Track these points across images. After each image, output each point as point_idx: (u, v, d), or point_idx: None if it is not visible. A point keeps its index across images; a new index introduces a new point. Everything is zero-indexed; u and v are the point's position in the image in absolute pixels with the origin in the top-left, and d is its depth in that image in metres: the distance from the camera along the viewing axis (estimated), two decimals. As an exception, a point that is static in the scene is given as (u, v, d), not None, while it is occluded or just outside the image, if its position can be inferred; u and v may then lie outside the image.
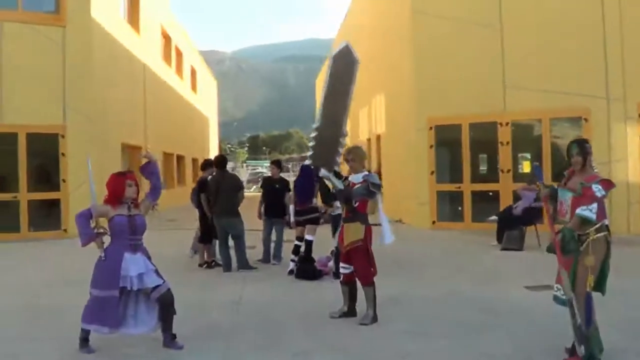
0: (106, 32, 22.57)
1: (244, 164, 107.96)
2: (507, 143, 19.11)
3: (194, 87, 46.75)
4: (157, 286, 7.00)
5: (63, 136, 19.62)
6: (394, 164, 24.33)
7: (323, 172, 8.90)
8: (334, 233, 12.89)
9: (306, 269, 11.91)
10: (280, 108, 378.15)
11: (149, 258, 7.17)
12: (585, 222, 6.43)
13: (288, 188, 13.88)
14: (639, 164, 17.65)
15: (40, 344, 7.52)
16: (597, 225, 6.46)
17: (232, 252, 13.04)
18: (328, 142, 8.84)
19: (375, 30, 27.81)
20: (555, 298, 6.72)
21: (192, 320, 8.52)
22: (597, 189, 6.47)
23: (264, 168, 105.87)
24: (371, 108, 29.32)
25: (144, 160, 7.64)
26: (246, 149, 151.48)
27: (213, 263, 13.44)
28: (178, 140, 36.52)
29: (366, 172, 8.58)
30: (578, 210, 6.43)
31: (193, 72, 47.08)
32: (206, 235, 13.48)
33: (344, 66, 8.73)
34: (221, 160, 13.26)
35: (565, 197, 6.70)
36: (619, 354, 6.76)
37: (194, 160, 42.15)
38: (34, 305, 9.78)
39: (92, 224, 7.06)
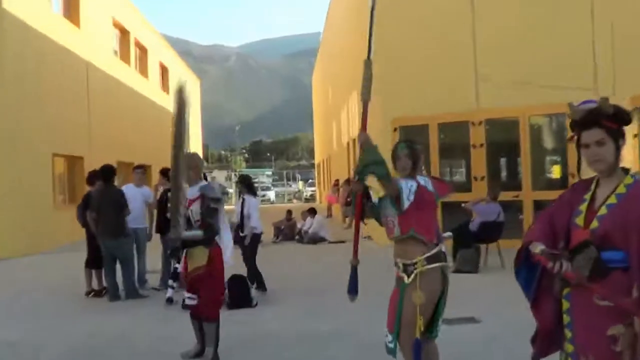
0: (26, 25, 22.40)
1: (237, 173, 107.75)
2: (481, 145, 18.64)
3: (165, 87, 46.53)
4: None
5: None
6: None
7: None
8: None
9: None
10: (295, 109, 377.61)
11: None
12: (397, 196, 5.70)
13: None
14: (633, 165, 17.14)
15: None
16: (429, 253, 5.79)
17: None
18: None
19: (348, 23, 27.46)
20: (387, 349, 5.97)
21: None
22: (422, 179, 5.86)
23: (266, 177, 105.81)
24: (349, 109, 28.95)
25: None
26: (245, 156, 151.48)
27: (104, 291, 13.06)
28: (140, 147, 36.10)
29: (203, 183, 8.11)
30: (398, 179, 5.78)
31: (164, 70, 47.00)
32: (94, 259, 13.10)
33: (181, 101, 8.36)
34: (107, 172, 12.85)
35: (390, 211, 6.02)
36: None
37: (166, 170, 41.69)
38: None
39: None
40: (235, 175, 65.99)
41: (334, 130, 37.79)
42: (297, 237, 23.20)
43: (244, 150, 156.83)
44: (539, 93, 17.66)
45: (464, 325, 9.36)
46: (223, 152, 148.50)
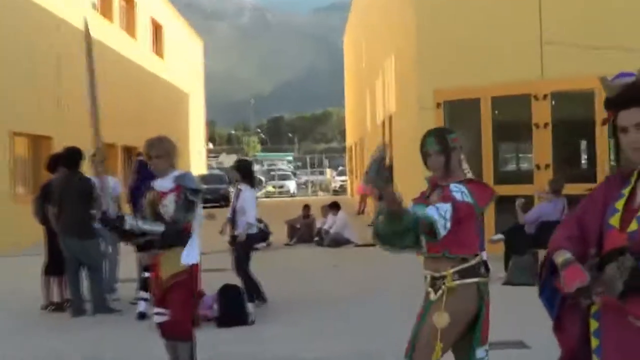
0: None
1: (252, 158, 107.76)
2: (546, 125, 18.54)
3: (158, 50, 46.83)
4: None
5: None
6: (403, 154, 23.81)
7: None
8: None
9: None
10: (325, 78, 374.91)
11: None
12: (430, 229, 5.46)
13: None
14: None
15: None
16: (462, 265, 5.69)
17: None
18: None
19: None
20: None
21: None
22: (457, 189, 5.66)
23: (287, 164, 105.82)
24: (385, 81, 28.88)
25: None
26: (261, 136, 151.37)
27: (66, 304, 13.17)
28: (124, 124, 36.12)
29: (178, 173, 8.08)
30: (427, 210, 5.52)
31: (157, 29, 47.30)
32: (55, 263, 13.17)
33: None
34: (71, 155, 12.94)
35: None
36: None
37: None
38: None
39: None
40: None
41: (368, 104, 37.51)
42: (316, 238, 23.24)
43: (260, 130, 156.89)
44: (619, 58, 17.37)
45: (507, 350, 9.32)
46: (234, 132, 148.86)
